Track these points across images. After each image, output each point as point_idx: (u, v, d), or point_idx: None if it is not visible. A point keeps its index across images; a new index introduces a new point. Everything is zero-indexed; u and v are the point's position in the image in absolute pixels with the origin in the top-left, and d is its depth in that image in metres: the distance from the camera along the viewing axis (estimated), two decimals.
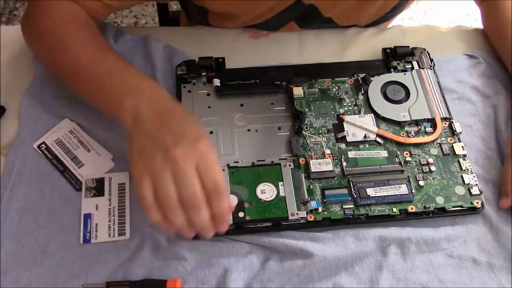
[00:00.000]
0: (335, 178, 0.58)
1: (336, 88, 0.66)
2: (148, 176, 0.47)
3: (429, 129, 0.63)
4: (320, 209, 0.56)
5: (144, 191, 0.47)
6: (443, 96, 0.65)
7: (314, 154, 0.60)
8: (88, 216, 0.56)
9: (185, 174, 0.46)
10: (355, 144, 0.61)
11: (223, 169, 0.58)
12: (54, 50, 0.61)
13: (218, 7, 0.70)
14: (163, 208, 0.46)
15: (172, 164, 0.46)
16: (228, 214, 0.49)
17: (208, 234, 0.48)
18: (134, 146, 0.49)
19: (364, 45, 0.73)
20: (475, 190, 0.58)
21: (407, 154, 0.61)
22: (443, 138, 0.62)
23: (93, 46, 0.59)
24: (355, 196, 0.57)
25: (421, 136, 0.62)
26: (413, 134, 0.62)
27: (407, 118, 0.63)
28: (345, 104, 0.65)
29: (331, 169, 0.58)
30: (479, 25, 0.77)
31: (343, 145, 0.61)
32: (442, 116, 0.63)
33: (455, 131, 0.62)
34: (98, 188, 0.58)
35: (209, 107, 0.64)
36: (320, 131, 0.62)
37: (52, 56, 0.61)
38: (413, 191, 0.58)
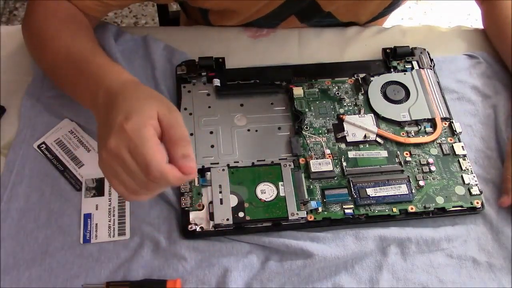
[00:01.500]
0: (335, 178, 0.58)
1: (336, 88, 0.66)
2: (109, 174, 0.46)
3: (429, 129, 0.63)
4: (320, 209, 0.56)
5: (116, 189, 0.47)
6: (443, 96, 0.65)
7: (314, 154, 0.60)
8: (88, 216, 0.56)
9: (125, 165, 0.44)
10: (355, 144, 0.61)
11: (223, 169, 0.58)
12: (35, 47, 0.61)
13: (218, 5, 0.70)
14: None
15: (115, 157, 0.45)
16: (179, 181, 0.45)
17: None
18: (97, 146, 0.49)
19: (364, 45, 0.73)
20: (475, 190, 0.58)
21: (407, 154, 0.61)
22: (443, 138, 0.62)
23: (65, 39, 0.59)
24: (355, 196, 0.57)
25: (421, 136, 0.62)
26: (413, 134, 0.62)
27: (407, 118, 0.63)
28: (345, 104, 0.65)
29: (331, 169, 0.58)
30: (479, 25, 0.77)
31: (343, 145, 0.61)
32: (442, 116, 0.63)
33: (455, 131, 0.62)
34: (98, 188, 0.58)
35: (209, 107, 0.64)
36: (320, 131, 0.62)
37: (35, 53, 0.63)
38: (413, 191, 0.58)
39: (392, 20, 0.86)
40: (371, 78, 0.66)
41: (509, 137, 0.62)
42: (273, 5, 0.69)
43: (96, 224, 0.56)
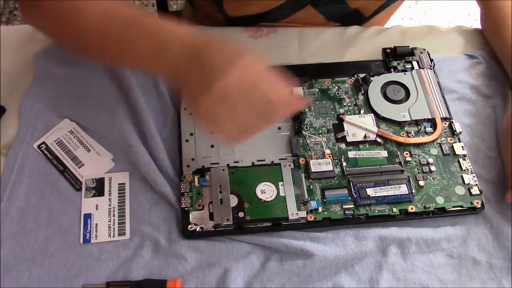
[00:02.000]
0: (335, 178, 0.58)
1: (336, 88, 0.66)
2: (215, 120, 0.46)
3: (429, 129, 0.63)
4: (320, 209, 0.56)
5: (222, 133, 0.46)
6: (443, 96, 0.65)
7: (314, 154, 0.60)
8: (88, 216, 0.56)
9: (240, 103, 0.44)
10: (355, 144, 0.61)
11: (223, 169, 0.58)
12: (61, 18, 0.56)
13: None
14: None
15: (224, 99, 0.44)
16: (300, 106, 0.48)
17: None
18: (188, 100, 0.47)
19: (364, 45, 0.73)
20: (475, 190, 0.58)
21: (407, 154, 0.61)
22: (443, 138, 0.62)
23: (101, 2, 0.54)
24: (355, 196, 0.57)
25: (421, 136, 0.62)
26: (413, 134, 0.62)
27: (407, 118, 0.63)
28: (345, 104, 0.65)
29: (331, 169, 0.59)
30: (479, 25, 0.77)
31: (343, 145, 0.61)
32: (442, 116, 0.63)
33: (455, 131, 0.62)
34: (98, 188, 0.58)
35: None
36: (320, 131, 0.62)
37: (52, 25, 0.58)
38: (413, 191, 0.58)
39: (392, 20, 0.86)
40: (371, 78, 0.66)
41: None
42: None
43: (96, 224, 0.56)
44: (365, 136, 0.61)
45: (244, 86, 0.44)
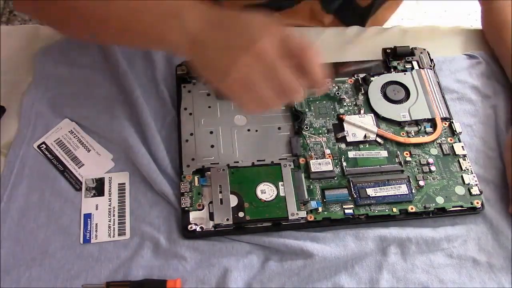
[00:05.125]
0: (335, 178, 0.58)
1: (336, 88, 0.66)
2: (248, 85, 0.46)
3: (429, 129, 0.63)
4: (320, 209, 0.56)
5: (254, 101, 0.47)
6: (443, 96, 0.65)
7: (314, 154, 0.60)
8: (88, 216, 0.56)
9: (277, 64, 0.45)
10: (355, 144, 0.61)
11: (223, 169, 0.58)
12: (63, 8, 0.52)
13: None
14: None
15: (262, 60, 0.44)
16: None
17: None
18: (209, 67, 0.46)
19: (364, 45, 0.73)
20: (475, 190, 0.58)
21: (407, 154, 0.61)
22: (443, 138, 0.62)
23: None
24: (355, 196, 0.57)
25: (421, 136, 0.62)
26: (413, 134, 0.62)
27: (407, 118, 0.63)
28: (345, 104, 0.65)
29: (331, 169, 0.58)
30: (479, 25, 0.77)
31: (343, 145, 0.61)
32: (442, 116, 0.63)
33: (455, 131, 0.62)
34: (98, 188, 0.58)
35: (209, 107, 0.64)
36: (320, 131, 0.62)
37: (62, 15, 0.54)
38: (413, 191, 0.58)
39: (392, 20, 0.86)
40: (371, 78, 0.66)
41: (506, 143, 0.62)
42: None
43: (96, 224, 0.56)
44: (365, 136, 0.61)
45: (287, 50, 0.45)
